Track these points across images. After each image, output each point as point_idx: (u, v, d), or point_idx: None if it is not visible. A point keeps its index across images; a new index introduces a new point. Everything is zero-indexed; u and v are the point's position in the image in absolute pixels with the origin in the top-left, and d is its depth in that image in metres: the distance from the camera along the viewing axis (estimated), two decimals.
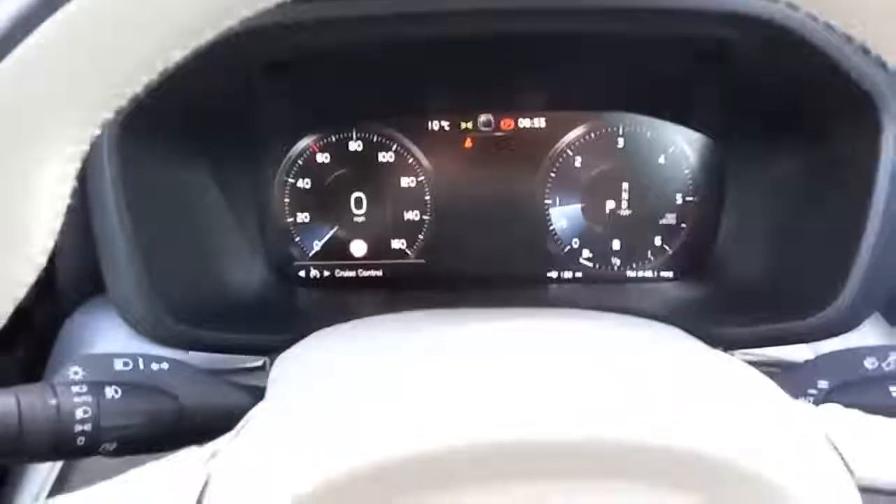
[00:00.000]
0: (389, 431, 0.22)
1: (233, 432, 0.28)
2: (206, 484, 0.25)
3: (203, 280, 0.51)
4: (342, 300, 0.60)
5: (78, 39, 0.21)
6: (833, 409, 0.26)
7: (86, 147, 0.23)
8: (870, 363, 0.38)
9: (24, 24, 0.21)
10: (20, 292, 0.24)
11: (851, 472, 0.24)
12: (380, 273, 0.61)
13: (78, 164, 0.23)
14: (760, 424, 0.24)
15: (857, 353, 0.39)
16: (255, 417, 0.27)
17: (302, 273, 0.61)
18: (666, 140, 0.58)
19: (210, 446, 0.27)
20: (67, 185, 0.23)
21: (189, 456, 0.27)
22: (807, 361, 0.41)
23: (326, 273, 0.61)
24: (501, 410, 0.22)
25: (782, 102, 0.49)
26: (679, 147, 0.58)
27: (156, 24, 0.22)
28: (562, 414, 0.22)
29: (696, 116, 0.57)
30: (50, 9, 0.21)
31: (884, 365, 0.38)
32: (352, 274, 0.61)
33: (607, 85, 0.57)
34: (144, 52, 0.22)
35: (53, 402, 0.36)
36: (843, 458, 0.24)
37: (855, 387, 0.39)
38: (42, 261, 0.24)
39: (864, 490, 0.23)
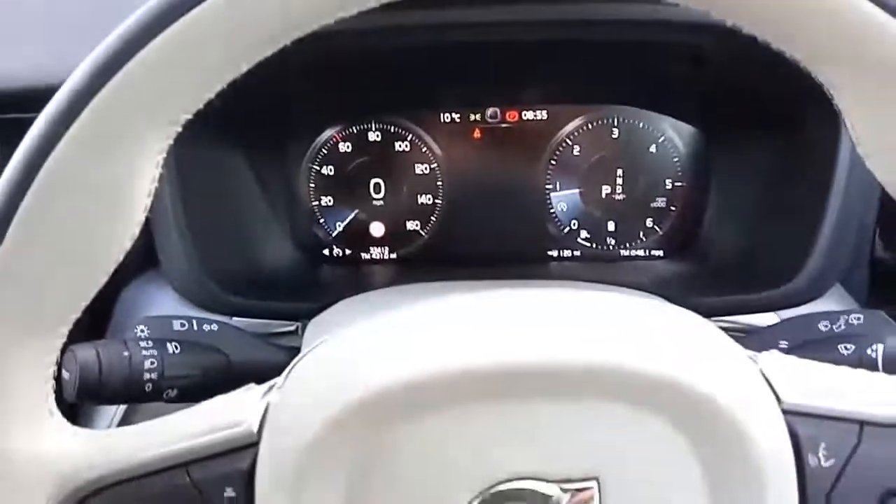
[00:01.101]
0: (415, 353, 0.28)
1: (283, 374, 0.34)
2: (266, 410, 0.31)
3: (242, 255, 0.58)
4: (362, 275, 0.66)
5: (172, 61, 0.27)
6: (773, 354, 0.32)
7: (171, 140, 0.29)
8: (823, 326, 0.44)
9: (132, 47, 0.27)
10: (120, 255, 0.30)
11: (778, 398, 0.30)
12: (396, 252, 0.67)
13: (164, 154, 0.29)
14: (708, 357, 0.29)
15: (814, 318, 0.45)
16: (301, 359, 0.33)
17: (326, 252, 0.67)
18: (656, 131, 0.63)
19: (265, 384, 0.33)
20: (157, 168, 0.29)
21: (248, 390, 0.33)
22: (770, 325, 0.47)
23: (349, 252, 0.67)
24: (486, 341, 0.28)
25: (758, 96, 0.54)
26: (668, 137, 0.64)
27: (238, 38, 0.27)
28: (538, 342, 0.28)
29: (683, 109, 0.62)
30: (151, 35, 0.27)
31: (835, 327, 0.44)
32: (371, 253, 0.67)
33: (603, 81, 0.62)
34: (224, 64, 0.28)
35: (126, 354, 0.42)
36: (771, 386, 0.30)
37: (810, 346, 0.44)
38: (136, 231, 0.30)
39: (786, 412, 0.29)
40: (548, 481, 0.27)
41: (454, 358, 0.28)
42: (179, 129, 0.29)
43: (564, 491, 0.27)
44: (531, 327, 0.29)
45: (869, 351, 0.41)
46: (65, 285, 0.29)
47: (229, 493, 0.29)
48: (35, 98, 0.47)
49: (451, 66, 0.58)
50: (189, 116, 0.29)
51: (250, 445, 0.30)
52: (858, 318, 0.43)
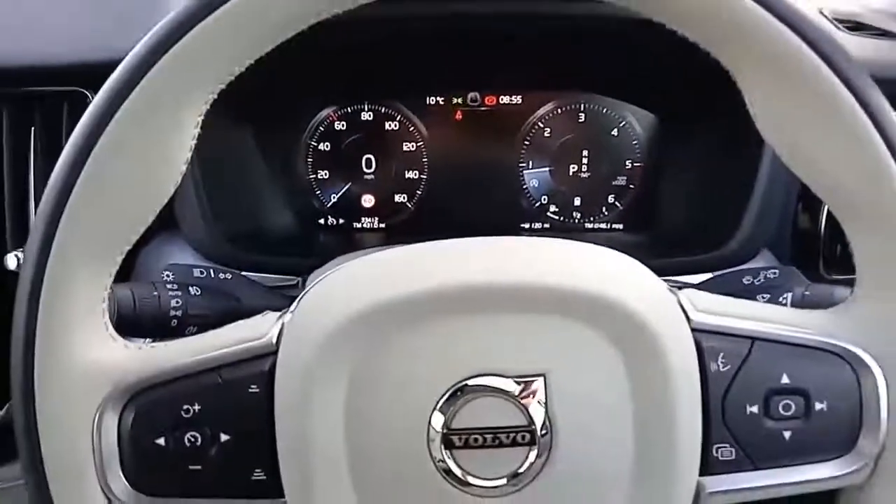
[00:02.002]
0: (400, 279, 0.36)
1: (294, 303, 0.41)
2: (281, 327, 0.38)
3: (250, 219, 0.65)
4: (354, 242, 0.73)
5: (210, 44, 0.34)
6: (689, 290, 0.40)
7: (208, 105, 0.36)
8: (746, 280, 0.52)
9: (178, 33, 0.34)
10: (165, 198, 0.37)
11: (688, 318, 0.37)
12: (384, 222, 0.74)
13: (202, 116, 0.36)
14: (635, 285, 0.37)
15: (739, 274, 0.53)
16: (308, 290, 0.40)
17: (322, 221, 0.73)
18: (618, 116, 0.71)
19: (280, 312, 0.40)
20: (197, 128, 0.36)
21: (265, 316, 0.40)
22: (702, 281, 0.55)
23: (342, 221, 0.73)
24: (455, 269, 0.36)
25: (704, 86, 0.62)
26: (629, 122, 0.71)
27: (263, 24, 0.35)
28: (499, 268, 0.36)
29: (642, 98, 0.69)
30: (194, 22, 0.34)
31: (755, 281, 0.51)
32: (362, 222, 0.74)
33: (571, 71, 0.68)
34: (251, 46, 0.35)
35: (155, 293, 0.49)
36: (683, 309, 0.37)
37: (734, 296, 0.52)
38: (179, 178, 0.37)
39: (694, 329, 0.37)
40: (504, 377, 0.35)
41: (431, 281, 0.36)
42: (214, 97, 0.36)
43: (518, 383, 0.35)
44: (494, 259, 0.37)
45: (780, 299, 0.49)
46: (123, 218, 0.36)
47: (253, 389, 0.37)
48: (89, 72, 0.54)
49: (437, 55, 0.65)
50: (222, 86, 0.36)
51: (270, 353, 0.37)
52: (775, 273, 0.51)
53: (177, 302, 0.49)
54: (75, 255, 0.35)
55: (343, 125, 0.71)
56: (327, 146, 0.71)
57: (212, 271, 0.53)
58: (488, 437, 0.35)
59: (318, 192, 0.73)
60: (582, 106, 0.71)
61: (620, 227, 0.74)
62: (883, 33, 0.61)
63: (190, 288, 0.51)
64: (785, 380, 0.36)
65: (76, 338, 0.37)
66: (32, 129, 0.56)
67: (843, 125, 0.34)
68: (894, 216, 0.34)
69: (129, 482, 0.37)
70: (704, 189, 0.65)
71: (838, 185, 0.35)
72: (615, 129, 0.71)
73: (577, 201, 0.73)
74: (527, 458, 0.35)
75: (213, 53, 0.34)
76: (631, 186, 0.72)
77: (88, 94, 0.56)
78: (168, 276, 0.51)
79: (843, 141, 0.34)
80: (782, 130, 0.36)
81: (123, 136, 0.34)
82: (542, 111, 0.71)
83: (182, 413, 0.36)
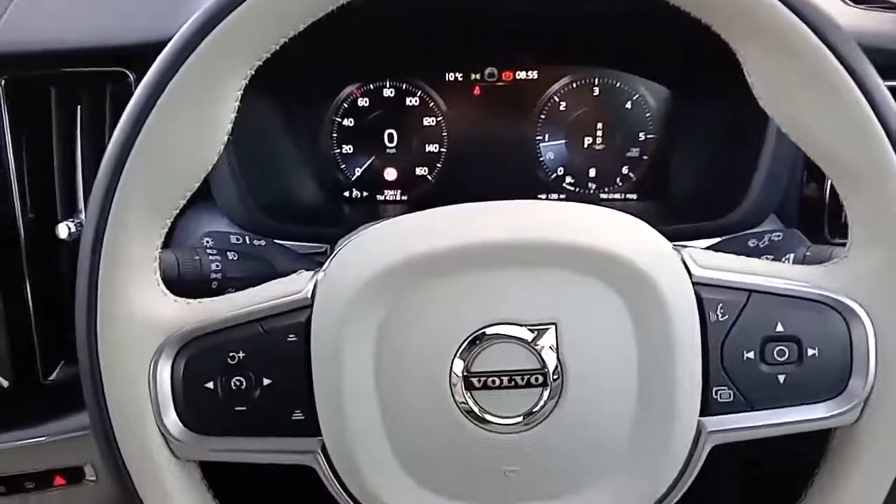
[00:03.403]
0: (424, 237, 0.39)
1: (326, 263, 0.44)
2: (315, 283, 0.42)
3: (279, 190, 0.68)
4: (378, 214, 0.76)
5: (249, 25, 0.38)
6: (692, 248, 0.43)
7: (248, 78, 0.40)
8: (751, 243, 0.54)
9: (227, 9, 0.38)
10: (211, 162, 0.41)
11: (690, 273, 0.40)
12: (406, 194, 0.76)
13: (243, 87, 0.40)
14: (641, 242, 0.40)
15: (745, 237, 0.55)
16: (338, 251, 0.43)
17: (346, 193, 0.77)
18: (632, 89, 0.72)
19: (313, 271, 0.44)
20: (237, 100, 0.40)
21: (300, 274, 0.44)
22: (710, 244, 0.58)
23: (366, 194, 0.76)
24: (474, 228, 0.39)
25: (714, 60, 0.64)
26: (642, 95, 0.73)
27: (296, 6, 0.38)
28: (514, 227, 0.39)
29: (654, 71, 0.71)
30: (236, 5, 0.38)
31: (760, 243, 0.54)
32: (385, 195, 0.77)
33: (585, 46, 0.70)
34: (287, 23, 0.39)
35: (197, 258, 0.53)
36: (686, 265, 0.40)
37: None
38: (223, 144, 0.41)
39: (695, 283, 0.40)
40: (519, 325, 0.38)
41: (451, 239, 0.39)
42: (253, 71, 0.40)
43: (531, 331, 0.38)
44: (510, 218, 0.40)
45: (783, 259, 0.52)
46: (175, 179, 0.40)
47: (292, 338, 0.40)
48: (130, 54, 0.58)
49: (456, 32, 0.68)
50: (260, 62, 0.40)
51: (306, 307, 0.41)
52: (779, 236, 0.53)
53: (216, 266, 0.53)
54: (132, 214, 0.39)
55: (366, 102, 0.74)
56: (351, 122, 0.74)
57: (247, 238, 0.57)
58: (504, 379, 0.38)
59: (343, 166, 0.76)
60: (596, 80, 0.73)
61: (634, 197, 0.76)
62: (887, 6, 0.62)
63: (228, 253, 0.54)
64: (779, 328, 0.39)
65: (133, 292, 0.41)
66: (78, 107, 0.60)
67: (834, 94, 0.36)
68: (881, 176, 0.37)
69: (182, 422, 0.41)
70: (714, 159, 0.68)
71: (831, 149, 0.38)
72: (629, 103, 0.73)
73: (592, 172, 0.75)
74: (540, 398, 0.38)
75: (254, 31, 0.38)
76: (644, 158, 0.74)
77: (129, 74, 0.59)
78: (207, 242, 0.55)
79: (833, 108, 0.37)
80: (778, 101, 0.39)
81: (175, 104, 0.38)
82: (557, 86, 0.73)
83: (228, 360, 0.40)
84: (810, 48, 0.36)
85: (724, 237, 0.60)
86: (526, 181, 0.76)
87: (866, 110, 0.36)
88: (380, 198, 0.77)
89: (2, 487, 0.64)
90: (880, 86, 0.36)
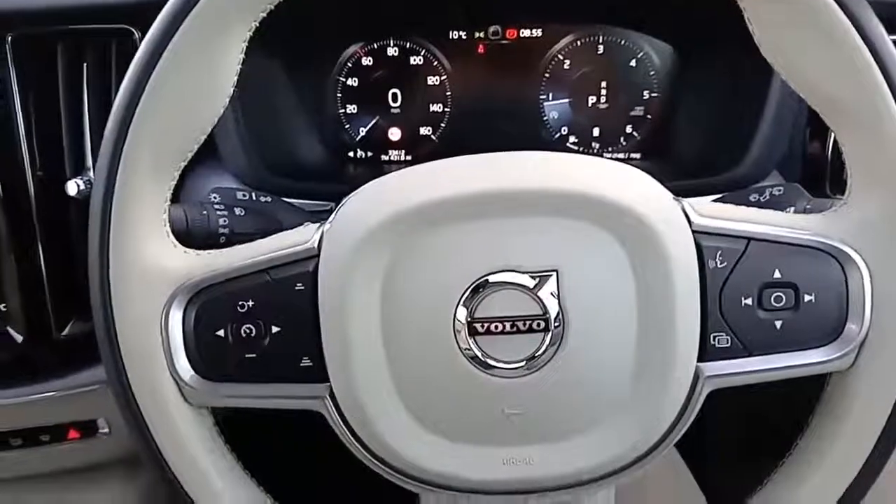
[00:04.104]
0: (426, 186, 0.39)
1: (331, 216, 0.45)
2: (322, 234, 0.42)
3: (285, 149, 0.69)
4: (382, 173, 0.76)
5: None
6: (692, 199, 0.43)
7: (251, 33, 0.40)
8: (753, 197, 0.55)
9: None
10: (216, 117, 0.41)
11: (689, 221, 0.41)
12: (410, 154, 0.77)
13: (246, 43, 0.40)
14: (641, 190, 0.40)
15: (747, 192, 0.56)
16: (343, 204, 0.44)
17: (351, 154, 0.77)
18: (636, 47, 0.72)
19: (319, 223, 0.45)
20: (241, 53, 0.40)
21: (306, 226, 0.45)
22: (713, 200, 0.58)
23: (370, 154, 0.77)
24: (475, 176, 0.39)
25: (718, 18, 0.64)
26: (646, 53, 0.73)
27: None
28: (514, 176, 0.39)
29: (659, 29, 0.71)
30: None
31: (761, 198, 0.54)
32: (389, 154, 0.77)
33: (589, 3, 0.71)
34: None
35: (205, 213, 0.53)
36: (686, 214, 0.41)
37: None
38: (227, 100, 0.41)
39: (695, 231, 0.40)
40: (521, 272, 0.39)
41: (454, 188, 0.40)
42: (256, 24, 0.40)
43: (533, 278, 0.39)
44: (511, 168, 0.40)
45: (785, 211, 0.52)
46: (182, 130, 0.40)
47: (299, 287, 0.41)
48: (134, 10, 0.58)
49: None
50: (263, 14, 0.40)
51: (313, 257, 0.41)
52: (780, 190, 0.54)
53: (224, 221, 0.54)
54: (142, 166, 0.40)
55: (370, 61, 0.74)
56: (355, 82, 0.74)
57: (253, 194, 0.57)
58: (507, 324, 0.39)
59: (348, 125, 0.76)
60: (600, 38, 0.73)
61: (638, 156, 0.76)
62: None
63: (235, 209, 0.55)
64: (777, 274, 0.40)
65: (144, 243, 0.42)
66: (84, 64, 0.61)
67: (835, 40, 0.37)
68: (879, 122, 0.37)
69: (193, 369, 0.42)
70: (717, 116, 0.68)
71: (832, 95, 0.38)
72: (633, 61, 0.73)
73: (596, 132, 0.76)
74: (542, 343, 0.39)
75: None
76: (648, 116, 0.75)
77: (134, 31, 0.59)
78: (215, 198, 0.55)
79: (834, 54, 0.37)
80: (781, 52, 0.39)
81: (180, 56, 0.38)
82: (561, 44, 0.73)
83: (238, 308, 0.41)
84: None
85: (726, 192, 0.60)
86: (530, 140, 0.76)
87: (866, 56, 0.36)
88: (384, 157, 0.78)
89: (18, 440, 0.66)
90: (881, 32, 0.36)
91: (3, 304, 0.62)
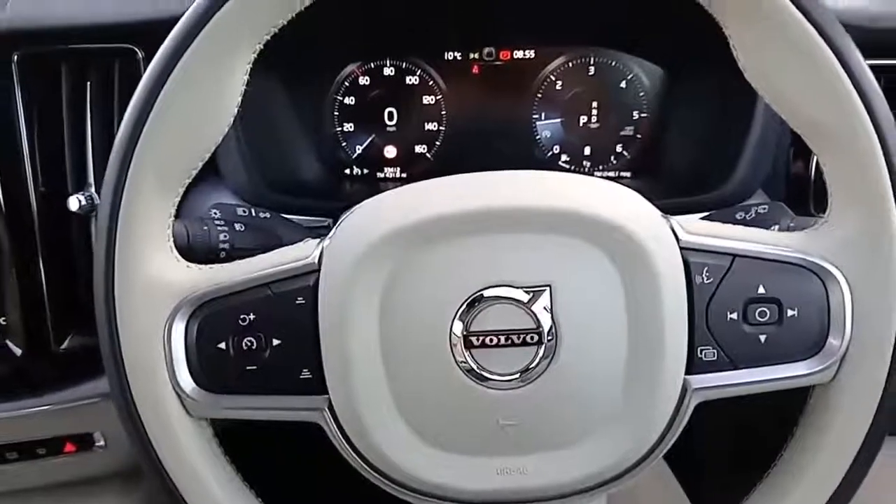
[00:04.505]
0: (423, 204, 0.41)
1: (331, 231, 0.46)
2: (322, 249, 0.44)
3: (284, 167, 0.70)
4: (378, 191, 0.78)
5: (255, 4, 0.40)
6: (680, 217, 0.45)
7: (256, 54, 0.42)
8: (739, 215, 0.56)
9: None
10: (220, 136, 0.43)
11: (677, 238, 0.42)
12: (406, 172, 0.78)
13: (251, 63, 0.42)
14: (631, 209, 0.41)
15: (733, 210, 0.57)
16: (343, 219, 0.45)
17: (347, 171, 0.79)
18: (626, 69, 0.74)
19: (319, 238, 0.46)
20: (246, 74, 0.42)
21: (306, 241, 0.46)
22: (702, 216, 0.60)
23: (366, 171, 0.78)
24: (470, 194, 0.41)
25: (706, 42, 0.66)
26: (636, 74, 0.75)
27: None
28: (509, 194, 0.40)
29: (648, 51, 0.73)
30: None
31: (747, 216, 0.56)
32: (385, 172, 0.78)
33: (581, 26, 0.72)
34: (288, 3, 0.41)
35: (205, 228, 0.54)
36: (674, 232, 0.42)
37: None
38: (231, 119, 0.42)
39: (682, 248, 0.42)
40: (515, 287, 0.41)
41: (451, 206, 0.41)
42: (261, 46, 0.42)
43: (527, 293, 0.41)
44: (507, 186, 0.42)
45: (769, 229, 0.54)
46: (187, 148, 0.41)
47: (299, 301, 0.42)
48: (137, 30, 0.60)
49: (454, 11, 0.70)
50: (268, 37, 0.41)
51: (313, 271, 0.43)
52: (764, 208, 0.55)
53: (224, 236, 0.55)
54: (147, 183, 0.41)
55: (367, 80, 0.76)
56: (352, 100, 0.76)
57: (252, 210, 0.59)
58: (502, 338, 0.41)
59: (345, 143, 0.77)
60: (592, 59, 0.75)
61: (628, 174, 0.78)
62: None
63: (235, 224, 0.56)
64: (761, 290, 0.41)
65: (149, 258, 0.43)
66: (88, 83, 0.62)
67: (814, 64, 0.38)
68: (857, 141, 0.39)
69: (195, 381, 0.43)
70: (705, 136, 0.70)
71: (812, 117, 0.40)
72: (623, 82, 0.75)
73: (587, 151, 0.77)
74: (536, 356, 0.41)
75: (263, 5, 0.39)
76: (638, 136, 0.76)
77: (138, 51, 0.61)
78: (215, 213, 0.57)
79: (813, 78, 0.39)
80: (762, 72, 0.41)
81: (188, 77, 0.39)
82: (553, 65, 0.75)
83: (239, 322, 0.42)
84: (793, 21, 0.38)
85: (713, 210, 0.62)
86: (522, 159, 0.77)
87: (845, 82, 0.38)
88: (380, 175, 0.79)
89: (14, 453, 0.66)
90: (858, 59, 0.38)
91: (3, 318, 0.63)
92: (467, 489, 0.43)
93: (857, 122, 0.38)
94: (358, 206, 0.45)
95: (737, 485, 0.49)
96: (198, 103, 0.40)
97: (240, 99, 0.42)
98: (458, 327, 0.41)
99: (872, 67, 0.39)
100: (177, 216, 0.46)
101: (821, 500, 0.43)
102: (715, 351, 0.42)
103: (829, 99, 0.39)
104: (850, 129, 0.39)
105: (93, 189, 0.63)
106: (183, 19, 0.39)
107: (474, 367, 0.41)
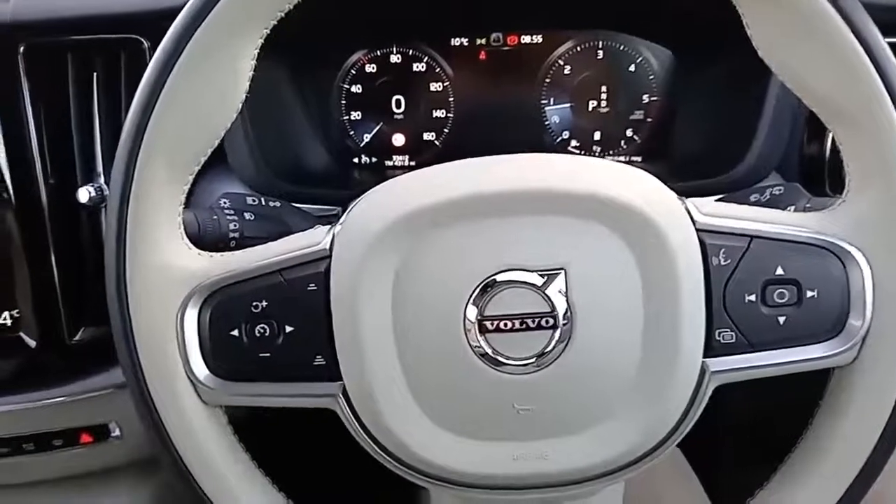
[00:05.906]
0: (434, 187, 0.40)
1: (342, 217, 0.46)
2: (333, 235, 0.43)
3: (292, 156, 0.70)
4: (386, 179, 0.78)
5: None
6: (696, 199, 0.44)
7: (262, 40, 0.41)
8: (754, 197, 0.56)
9: None
10: (229, 122, 0.42)
11: (693, 220, 0.42)
12: (414, 159, 0.78)
13: (258, 50, 0.41)
14: (647, 191, 0.41)
15: (748, 192, 0.57)
16: (353, 206, 0.45)
17: (356, 159, 0.78)
18: (635, 52, 0.73)
19: (329, 225, 0.45)
20: (254, 60, 0.41)
21: (317, 228, 0.45)
22: (717, 199, 0.59)
23: (374, 160, 0.78)
24: (484, 177, 0.40)
25: (717, 23, 0.65)
26: (645, 58, 0.74)
27: None
28: (525, 176, 0.40)
29: (658, 34, 0.72)
30: None
31: (762, 197, 0.55)
32: (393, 160, 0.78)
33: (589, 9, 0.72)
34: None
35: (215, 217, 0.54)
36: (689, 214, 0.42)
37: None
38: (239, 105, 0.42)
39: (699, 230, 0.41)
40: (529, 270, 0.40)
41: (463, 189, 0.40)
42: (268, 31, 0.41)
43: (541, 276, 0.40)
44: (519, 169, 0.41)
45: (785, 210, 0.53)
46: (196, 135, 0.41)
47: (311, 287, 0.42)
48: (143, 20, 0.59)
49: None
50: (274, 22, 0.41)
51: (325, 258, 0.42)
52: (780, 189, 0.55)
53: (234, 225, 0.55)
54: (157, 171, 0.41)
55: (373, 68, 0.75)
56: (359, 88, 0.76)
57: (262, 199, 0.58)
58: (517, 322, 0.40)
59: (352, 132, 0.77)
60: (600, 43, 0.74)
61: (639, 158, 0.77)
62: None
63: (244, 213, 0.56)
64: (779, 271, 0.41)
65: (160, 246, 0.42)
66: (95, 73, 0.62)
67: (830, 41, 0.38)
68: (875, 120, 0.38)
69: (208, 368, 0.43)
70: (717, 118, 0.69)
71: (828, 95, 0.39)
72: (632, 65, 0.74)
73: (597, 135, 0.77)
74: (551, 340, 0.40)
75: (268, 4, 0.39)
76: (648, 120, 0.76)
77: (144, 41, 0.61)
78: (225, 203, 0.56)
79: (830, 55, 0.38)
80: (777, 50, 0.40)
81: (194, 64, 0.39)
82: (561, 49, 0.74)
83: (252, 308, 0.42)
84: (808, 1, 0.37)
85: (727, 193, 0.61)
86: (532, 144, 0.77)
87: (862, 58, 0.37)
88: (388, 163, 0.79)
89: (31, 445, 0.67)
90: (876, 35, 0.38)
91: (16, 310, 0.63)
92: (482, 474, 0.43)
93: (875, 99, 0.38)
94: (368, 191, 0.44)
95: (755, 480, 0.48)
96: (205, 89, 0.40)
97: (247, 85, 0.42)
98: (471, 312, 0.40)
99: (891, 45, 0.38)
100: (186, 206, 0.46)
101: (842, 485, 0.43)
102: (733, 333, 0.41)
103: (847, 76, 0.38)
104: (867, 107, 0.38)
105: (102, 180, 0.63)
106: (188, 6, 0.39)
107: (489, 351, 0.41)
